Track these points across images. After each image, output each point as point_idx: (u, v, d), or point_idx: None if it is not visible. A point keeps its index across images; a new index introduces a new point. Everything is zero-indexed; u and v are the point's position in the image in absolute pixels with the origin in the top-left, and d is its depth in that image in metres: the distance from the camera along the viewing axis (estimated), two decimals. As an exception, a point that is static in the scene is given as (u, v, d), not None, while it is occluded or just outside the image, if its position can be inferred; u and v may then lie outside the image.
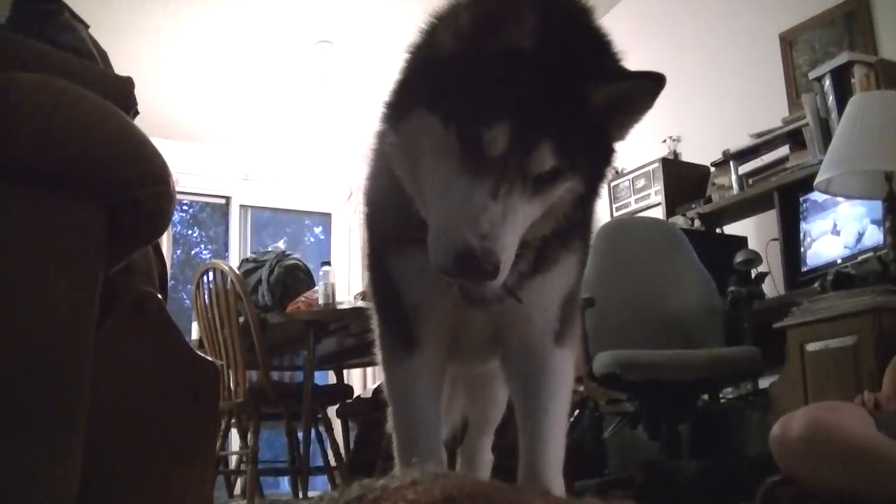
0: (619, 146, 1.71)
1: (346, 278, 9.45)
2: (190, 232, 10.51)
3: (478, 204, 1.51)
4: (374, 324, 2.15)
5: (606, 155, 1.70)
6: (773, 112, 5.80)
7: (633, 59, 1.68)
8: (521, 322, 1.95)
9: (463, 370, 2.50)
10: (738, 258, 5.09)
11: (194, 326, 6.40)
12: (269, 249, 6.51)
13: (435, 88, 1.61)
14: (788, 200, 5.38)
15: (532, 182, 1.56)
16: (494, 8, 1.57)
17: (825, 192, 4.54)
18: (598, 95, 1.59)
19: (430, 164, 1.60)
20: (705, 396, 4.97)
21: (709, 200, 6.04)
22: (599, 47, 1.68)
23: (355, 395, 6.85)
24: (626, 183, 6.58)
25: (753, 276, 5.17)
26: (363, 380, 9.04)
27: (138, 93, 2.12)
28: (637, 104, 1.64)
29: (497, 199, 1.51)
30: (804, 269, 5.22)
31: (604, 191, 1.79)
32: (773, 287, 5.49)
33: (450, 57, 1.62)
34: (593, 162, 1.67)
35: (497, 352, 2.07)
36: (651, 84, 1.60)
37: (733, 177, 5.82)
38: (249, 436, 5.87)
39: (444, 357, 2.05)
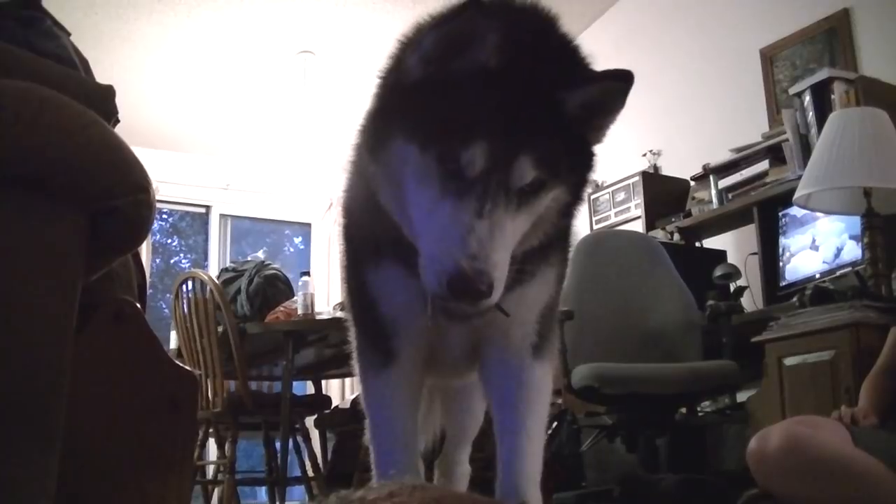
0: (599, 157, 1.72)
1: (325, 289, 9.43)
2: (169, 241, 10.48)
3: (464, 225, 1.51)
4: (352, 335, 2.15)
5: (587, 160, 1.71)
6: (753, 127, 5.82)
7: (601, 64, 1.69)
8: (499, 335, 1.96)
9: (441, 383, 2.50)
10: (718, 272, 5.11)
11: (173, 335, 6.38)
12: (249, 259, 6.51)
13: (408, 115, 1.62)
14: (768, 215, 5.39)
15: (516, 196, 1.56)
16: (456, 28, 1.58)
17: (804, 207, 4.56)
18: (570, 102, 1.59)
19: (414, 190, 1.61)
20: (683, 410, 4.98)
21: (688, 214, 6.06)
22: (567, 54, 1.68)
23: (333, 405, 6.83)
24: (606, 196, 6.59)
25: (732, 290, 5.19)
26: (341, 390, 9.02)
27: (120, 101, 2.11)
28: (610, 105, 1.64)
29: (483, 217, 1.51)
30: (783, 283, 5.23)
31: (584, 203, 1.79)
32: (751, 301, 5.51)
33: (418, 82, 1.63)
34: (575, 169, 1.68)
35: (475, 365, 2.07)
36: (620, 84, 1.60)
37: (713, 191, 5.84)
38: (227, 445, 5.85)
39: (421, 369, 2.05)
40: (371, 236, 1.88)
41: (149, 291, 2.57)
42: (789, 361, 3.99)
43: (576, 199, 1.73)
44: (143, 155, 1.87)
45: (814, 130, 4.95)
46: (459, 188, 1.54)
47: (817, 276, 4.88)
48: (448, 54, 1.59)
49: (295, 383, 6.17)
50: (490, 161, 1.53)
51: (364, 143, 1.73)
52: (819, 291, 4.09)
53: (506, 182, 1.55)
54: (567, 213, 1.73)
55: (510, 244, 1.58)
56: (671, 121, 6.53)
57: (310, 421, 6.64)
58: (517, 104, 1.56)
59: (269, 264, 6.29)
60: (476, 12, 1.55)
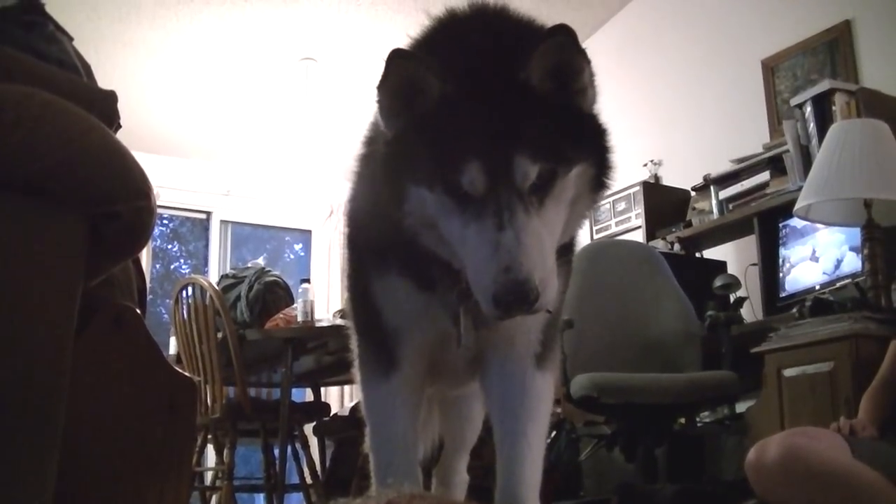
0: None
1: (325, 296, 9.43)
2: (170, 246, 10.48)
3: (489, 242, 1.53)
4: (354, 343, 2.15)
5: (591, 127, 1.70)
6: (754, 138, 5.83)
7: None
8: (503, 344, 1.96)
9: (442, 392, 2.50)
10: (717, 283, 5.10)
11: (172, 341, 6.37)
12: (249, 265, 6.49)
13: (407, 163, 1.66)
14: (768, 226, 5.39)
15: (533, 193, 1.57)
16: (392, 84, 1.64)
17: (805, 218, 4.56)
18: (534, 77, 1.60)
19: (444, 227, 1.64)
20: (682, 420, 4.97)
21: (689, 224, 6.06)
22: (519, 36, 1.68)
23: (332, 412, 6.82)
24: (607, 206, 6.59)
25: (732, 300, 5.18)
26: (340, 397, 9.02)
27: (121, 106, 2.11)
28: (570, 62, 1.64)
29: (504, 229, 1.53)
30: (783, 294, 5.23)
31: (615, 171, 1.77)
32: (751, 312, 5.51)
33: (397, 136, 1.67)
34: (582, 140, 1.67)
35: (476, 375, 2.07)
36: (563, 38, 1.60)
37: (713, 201, 5.84)
38: (225, 452, 5.84)
39: (422, 378, 2.06)
40: (375, 246, 1.89)
41: (148, 297, 2.57)
42: (788, 372, 3.99)
43: (601, 169, 1.72)
44: (145, 160, 1.87)
45: (815, 141, 4.96)
46: (476, 211, 1.57)
47: (817, 287, 4.88)
48: (404, 103, 1.64)
49: (294, 390, 6.18)
50: (489, 175, 1.54)
51: (388, 198, 1.73)
52: (819, 303, 4.09)
53: (513, 186, 1.55)
54: (598, 184, 1.71)
55: (547, 240, 1.60)
56: (672, 131, 6.53)
57: (308, 428, 6.63)
58: (489, 110, 1.58)
59: (269, 271, 6.28)
60: (401, 61, 1.61)
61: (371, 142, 1.78)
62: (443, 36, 1.65)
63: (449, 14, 1.73)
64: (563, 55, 1.62)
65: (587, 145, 1.68)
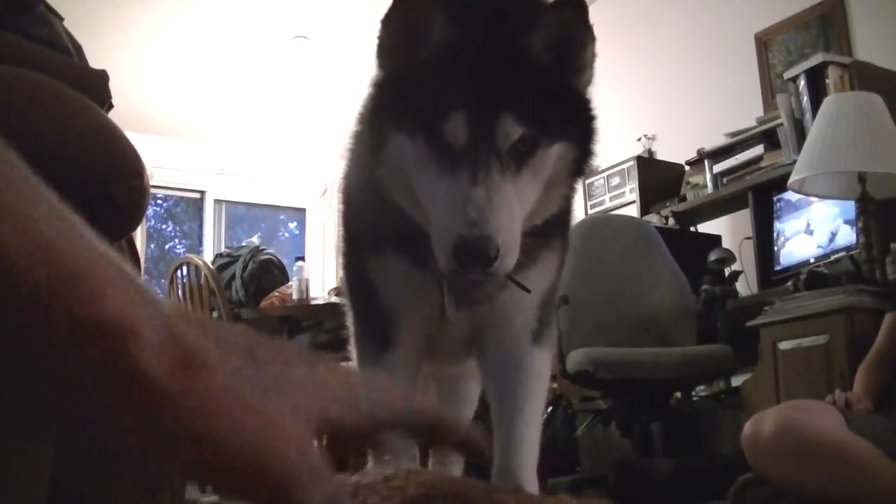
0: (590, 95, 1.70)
1: (320, 274, 9.44)
2: (164, 226, 10.47)
3: (460, 195, 1.51)
4: (349, 321, 2.15)
5: (581, 108, 1.69)
6: (747, 112, 5.82)
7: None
8: (500, 321, 1.95)
9: (438, 370, 2.50)
10: (712, 257, 5.11)
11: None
12: (244, 244, 6.49)
13: (392, 109, 1.64)
14: (762, 200, 5.40)
15: (512, 158, 1.56)
16: (397, 20, 1.61)
17: (799, 191, 4.56)
18: (535, 47, 1.59)
19: (416, 179, 1.61)
20: (678, 395, 4.99)
21: (683, 199, 6.06)
22: (528, 2, 1.68)
23: (329, 391, 6.83)
24: (601, 181, 6.59)
25: (727, 274, 5.18)
26: (336, 376, 9.02)
27: (113, 86, 2.10)
28: (575, 38, 1.63)
29: (477, 184, 1.51)
30: (777, 268, 5.24)
31: (578, 188, 1.78)
32: (746, 286, 5.52)
33: (390, 76, 1.65)
34: (571, 119, 1.66)
35: (473, 353, 2.07)
36: (572, 10, 1.59)
37: (708, 176, 5.84)
38: (222, 431, 5.85)
39: (418, 355, 2.05)
40: (371, 223, 1.88)
41: (143, 277, 2.56)
42: (784, 346, 3.99)
43: (584, 153, 1.70)
44: (138, 140, 1.86)
45: (808, 115, 4.95)
46: (452, 163, 1.54)
47: (812, 260, 4.89)
48: (404, 42, 1.61)
49: (290, 369, 6.16)
50: (472, 128, 1.53)
51: (368, 148, 1.73)
52: (813, 276, 4.09)
53: (494, 145, 1.54)
54: (578, 170, 1.71)
55: (517, 208, 1.57)
56: (666, 105, 6.53)
57: (304, 406, 6.64)
58: (486, 67, 1.56)
59: (264, 249, 6.29)
60: (412, 0, 1.59)
61: (365, 119, 1.77)
62: None
63: None
64: (568, 29, 1.61)
65: (574, 125, 1.67)
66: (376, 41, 1.66)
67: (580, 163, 1.69)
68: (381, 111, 1.68)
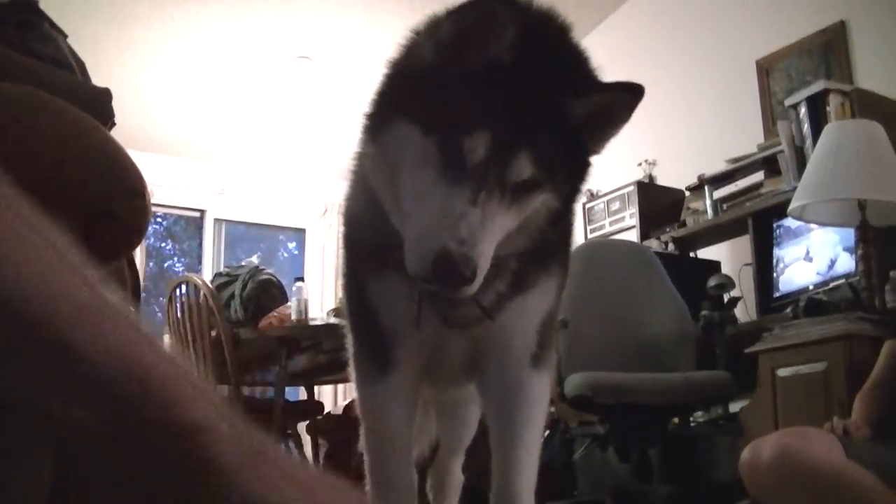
0: (595, 166, 1.72)
1: (319, 294, 9.44)
2: (163, 245, 10.47)
3: (457, 210, 1.51)
4: (349, 343, 2.14)
5: (583, 169, 1.71)
6: (748, 138, 5.83)
7: (606, 76, 1.69)
8: (499, 345, 1.95)
9: (438, 393, 2.49)
10: (711, 283, 5.11)
11: (166, 340, 6.36)
12: (243, 264, 6.48)
13: (416, 99, 1.62)
14: (762, 226, 5.40)
15: (510, 191, 1.57)
16: (476, 20, 1.58)
17: (799, 218, 4.57)
18: (576, 108, 1.60)
19: (410, 173, 1.60)
20: (676, 420, 4.98)
21: (683, 224, 6.07)
22: (578, 62, 1.69)
23: (326, 411, 6.82)
24: (601, 205, 6.60)
25: (726, 300, 5.18)
26: (334, 397, 9.02)
27: (116, 105, 2.11)
28: (615, 117, 1.64)
29: (476, 205, 1.51)
30: (776, 294, 5.24)
31: (579, 212, 1.80)
32: (745, 312, 5.52)
33: (431, 68, 1.63)
34: (570, 176, 1.68)
35: (473, 376, 2.07)
36: (629, 96, 1.61)
37: (708, 201, 5.85)
38: (219, 451, 5.83)
39: (418, 378, 2.05)
40: (373, 244, 1.88)
41: (142, 295, 2.57)
42: (782, 372, 3.99)
43: (565, 208, 1.73)
44: (139, 159, 1.86)
45: (809, 142, 4.96)
46: (456, 175, 1.54)
47: (811, 287, 4.89)
48: (465, 44, 1.59)
49: (288, 389, 6.17)
50: (490, 152, 1.53)
51: (367, 125, 1.73)
52: (813, 303, 4.10)
53: (503, 175, 1.54)
54: (554, 221, 1.72)
55: (496, 239, 1.58)
56: (667, 131, 6.54)
57: (302, 427, 6.63)
58: (525, 102, 1.56)
59: (263, 269, 6.28)
60: (500, 5, 1.56)
61: (368, 141, 1.77)
62: (522, 18, 1.62)
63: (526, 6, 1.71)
64: (618, 110, 1.64)
65: (571, 183, 1.70)
66: (440, 22, 1.64)
67: (559, 214, 1.70)
68: (398, 96, 1.68)
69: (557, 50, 1.67)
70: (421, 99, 1.62)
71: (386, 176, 1.67)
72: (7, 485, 1.55)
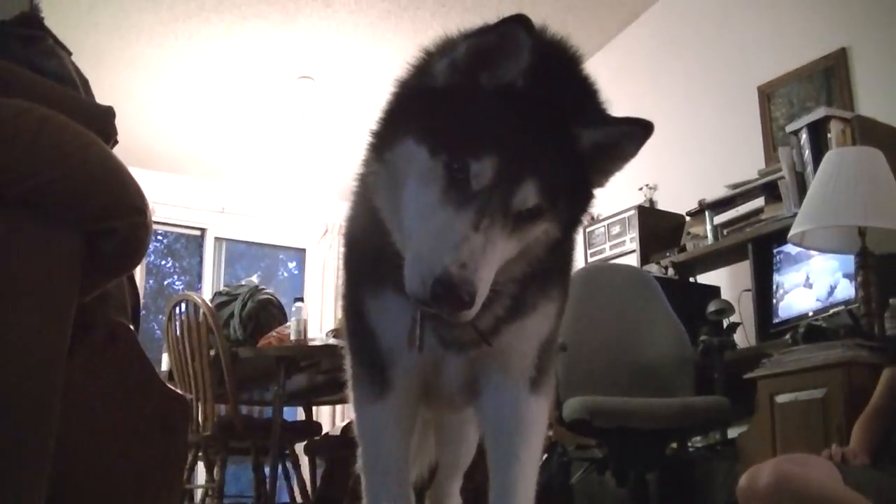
0: (597, 194, 1.73)
1: (318, 315, 9.43)
2: (164, 262, 10.46)
3: (459, 233, 1.51)
4: (348, 363, 2.14)
5: (586, 200, 1.71)
6: (749, 164, 5.84)
7: (613, 106, 1.70)
8: (497, 368, 1.95)
9: (436, 415, 2.49)
10: (711, 308, 5.11)
11: (165, 358, 6.36)
12: (243, 283, 6.48)
13: (425, 119, 1.62)
14: (762, 252, 5.40)
15: (513, 218, 1.57)
16: (492, 41, 1.58)
17: (799, 244, 4.57)
18: (585, 140, 1.60)
19: (414, 193, 1.60)
20: (674, 445, 4.97)
21: (683, 249, 6.06)
22: (588, 94, 1.69)
23: (324, 432, 6.81)
24: (602, 229, 6.60)
25: (725, 325, 5.18)
26: (332, 417, 9.00)
27: (118, 122, 2.11)
28: (622, 151, 1.65)
29: (479, 230, 1.51)
30: (776, 320, 5.24)
31: (579, 236, 1.80)
32: (744, 337, 5.51)
33: (443, 88, 1.63)
34: (573, 206, 1.68)
35: (472, 399, 2.06)
36: (638, 130, 1.61)
37: (708, 226, 5.85)
38: (216, 469, 5.82)
39: (416, 400, 2.05)
40: (373, 265, 1.88)
41: (142, 313, 2.57)
42: (781, 398, 3.99)
43: (566, 237, 1.74)
44: (141, 176, 1.87)
45: (810, 168, 4.97)
46: (461, 198, 1.54)
47: (810, 313, 4.89)
48: (479, 66, 1.60)
49: (286, 409, 6.15)
50: (497, 177, 1.53)
51: (372, 143, 1.73)
52: (812, 329, 4.09)
53: (507, 202, 1.55)
54: (554, 249, 1.72)
55: (496, 265, 1.58)
56: (668, 155, 6.54)
57: (300, 447, 6.62)
58: (535, 130, 1.57)
59: (263, 289, 6.28)
60: (519, 27, 1.56)
61: (374, 159, 1.77)
62: (537, 45, 1.62)
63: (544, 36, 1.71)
64: (627, 144, 1.65)
65: (573, 213, 1.71)
66: (462, 41, 1.64)
67: (558, 243, 1.71)
68: (407, 114, 1.68)
69: (569, 79, 1.68)
70: (430, 119, 1.62)
71: (390, 194, 1.68)
72: (4, 499, 1.55)
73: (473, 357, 1.90)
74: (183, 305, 5.77)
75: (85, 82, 2.26)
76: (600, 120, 1.64)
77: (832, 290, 4.89)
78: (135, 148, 7.61)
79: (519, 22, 1.56)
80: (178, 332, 5.79)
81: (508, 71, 1.58)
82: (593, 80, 1.72)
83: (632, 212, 6.40)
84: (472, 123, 1.58)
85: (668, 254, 6.10)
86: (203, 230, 9.92)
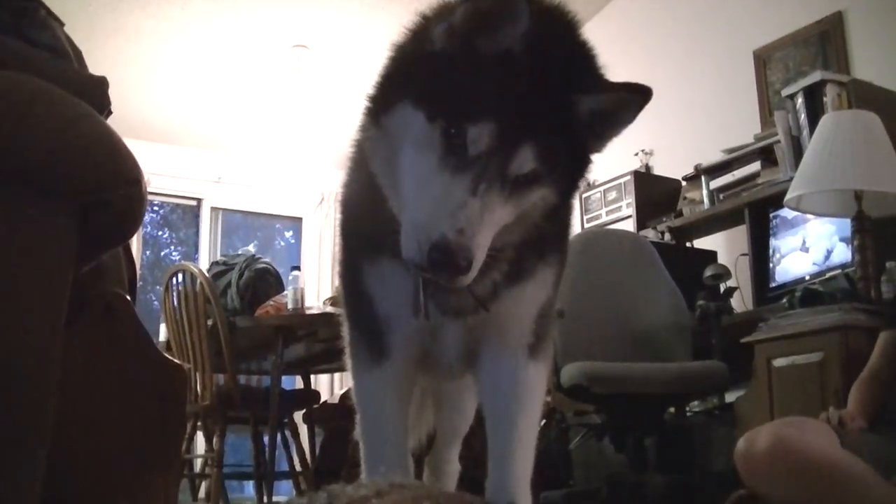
0: (594, 159, 1.72)
1: (315, 283, 9.43)
2: (160, 233, 10.45)
3: (457, 199, 1.50)
4: (345, 331, 2.14)
5: (582, 166, 1.71)
6: (745, 128, 5.83)
7: (609, 71, 1.69)
8: (495, 334, 1.95)
9: (434, 383, 2.49)
10: (708, 272, 5.11)
11: (162, 328, 6.36)
12: (240, 253, 6.48)
13: (422, 84, 1.61)
14: (759, 216, 5.41)
15: (510, 184, 1.56)
16: (492, 7, 1.57)
17: (795, 209, 4.57)
18: (583, 106, 1.60)
19: (411, 158, 1.59)
20: (672, 410, 4.98)
21: (679, 214, 6.06)
22: (586, 58, 1.69)
23: (322, 400, 6.83)
24: (598, 195, 6.60)
25: (722, 290, 5.19)
26: (330, 386, 9.02)
27: (112, 93, 2.10)
28: (620, 117, 1.64)
29: (476, 196, 1.51)
30: (773, 284, 5.24)
31: (576, 202, 1.81)
32: (741, 302, 5.52)
33: (440, 53, 1.62)
34: (569, 172, 1.68)
35: (470, 366, 2.07)
36: (637, 97, 1.61)
37: (704, 191, 5.85)
38: (215, 439, 5.83)
39: (414, 367, 2.05)
40: (369, 232, 1.88)
41: (138, 284, 2.57)
42: (778, 363, 4.00)
43: (563, 202, 1.73)
44: (135, 147, 1.86)
45: (806, 132, 4.96)
46: (459, 163, 1.53)
47: (807, 277, 4.89)
48: (477, 30, 1.58)
49: (284, 378, 6.17)
50: (494, 142, 1.53)
51: (369, 108, 1.72)
52: (809, 293, 4.10)
53: (504, 167, 1.54)
54: (551, 215, 1.72)
55: (493, 231, 1.58)
56: (663, 121, 6.53)
57: (298, 416, 6.64)
58: (533, 95, 1.56)
59: (260, 258, 6.27)
60: None
61: (370, 124, 1.76)
62: (534, 10, 1.60)
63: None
64: (625, 110, 1.64)
65: (570, 179, 1.70)
66: (447, 14, 1.63)
67: (555, 209, 1.70)
68: (404, 79, 1.67)
69: (567, 45, 1.67)
70: (427, 84, 1.61)
71: (387, 159, 1.67)
72: (2, 476, 1.55)
73: (471, 324, 1.90)
74: (180, 276, 5.77)
75: (78, 53, 2.24)
76: (598, 86, 1.64)
77: (829, 254, 4.90)
78: (129, 119, 7.60)
79: None
80: (175, 303, 5.79)
81: (506, 36, 1.57)
82: (591, 46, 1.71)
83: (628, 177, 6.40)
84: (469, 89, 1.57)
85: (664, 219, 6.11)
86: (199, 200, 9.91)
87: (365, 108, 1.74)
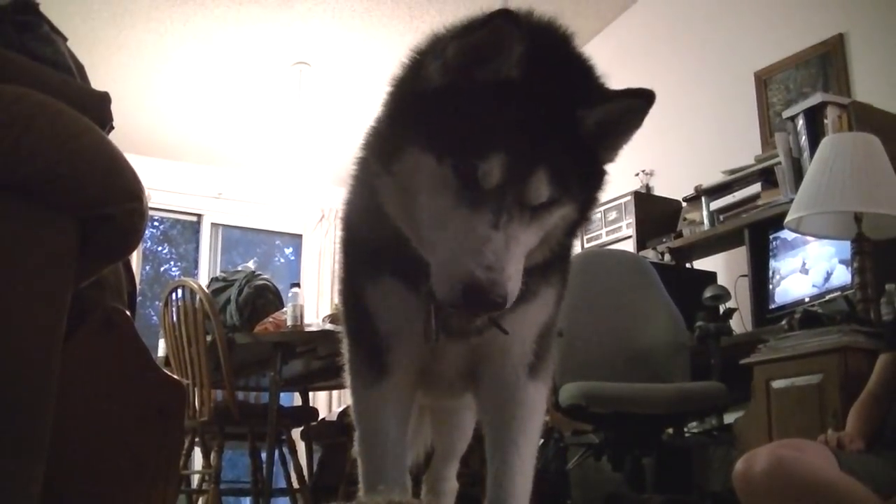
0: (609, 170, 1.73)
1: (315, 300, 9.42)
2: (160, 248, 10.45)
3: (480, 236, 1.51)
4: (345, 348, 2.14)
5: (598, 179, 1.71)
6: (746, 150, 5.83)
7: (621, 88, 1.70)
8: (497, 353, 1.95)
9: (434, 402, 2.49)
10: (707, 293, 5.11)
11: (161, 344, 6.36)
12: (239, 269, 6.48)
13: (425, 124, 1.61)
14: (759, 238, 5.40)
15: (529, 210, 1.57)
16: (481, 38, 1.57)
17: (795, 230, 4.57)
18: (589, 119, 1.60)
19: (427, 200, 1.60)
20: (670, 430, 4.97)
21: (679, 235, 6.06)
22: (584, 72, 1.69)
23: (320, 417, 6.82)
24: (598, 215, 6.59)
25: (722, 311, 5.19)
26: (328, 403, 9.01)
27: (114, 107, 2.11)
28: (627, 124, 1.65)
29: (499, 229, 1.52)
30: (772, 306, 5.24)
31: (590, 222, 1.81)
32: (740, 323, 5.51)
33: (438, 90, 1.62)
34: (586, 187, 1.68)
35: (469, 385, 2.07)
36: (641, 102, 1.61)
37: (704, 212, 5.85)
38: (213, 455, 5.82)
39: (413, 385, 2.05)
40: (371, 249, 1.88)
41: (138, 299, 2.56)
42: (777, 384, 3.99)
43: (583, 217, 1.73)
44: (137, 162, 1.86)
45: (806, 154, 4.97)
46: (475, 199, 1.54)
47: (807, 299, 4.89)
48: (471, 63, 1.58)
49: (282, 394, 6.16)
50: (507, 174, 1.53)
51: (373, 151, 1.72)
52: (808, 315, 4.09)
53: (521, 196, 1.55)
54: (573, 231, 1.73)
55: (523, 258, 1.58)
56: (664, 141, 6.54)
57: (296, 432, 6.62)
58: (537, 119, 1.56)
59: (260, 275, 6.27)
60: (506, 22, 1.55)
61: (369, 145, 1.76)
62: (526, 32, 1.60)
63: (531, 19, 1.70)
64: (630, 117, 1.65)
65: (587, 193, 1.71)
66: (450, 43, 1.62)
67: (577, 225, 1.71)
68: (407, 121, 1.66)
69: (563, 61, 1.67)
70: (431, 124, 1.60)
71: (402, 203, 1.67)
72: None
73: (473, 343, 1.90)
74: (179, 291, 5.77)
75: (80, 68, 2.25)
76: (601, 97, 1.64)
77: (828, 275, 4.90)
78: (131, 134, 7.61)
79: (504, 16, 1.55)
80: (174, 318, 5.79)
81: (502, 65, 1.57)
82: (587, 57, 1.71)
83: (628, 197, 6.40)
84: (473, 123, 1.57)
85: (664, 239, 6.10)
86: (199, 216, 9.92)
87: (362, 154, 1.75)
